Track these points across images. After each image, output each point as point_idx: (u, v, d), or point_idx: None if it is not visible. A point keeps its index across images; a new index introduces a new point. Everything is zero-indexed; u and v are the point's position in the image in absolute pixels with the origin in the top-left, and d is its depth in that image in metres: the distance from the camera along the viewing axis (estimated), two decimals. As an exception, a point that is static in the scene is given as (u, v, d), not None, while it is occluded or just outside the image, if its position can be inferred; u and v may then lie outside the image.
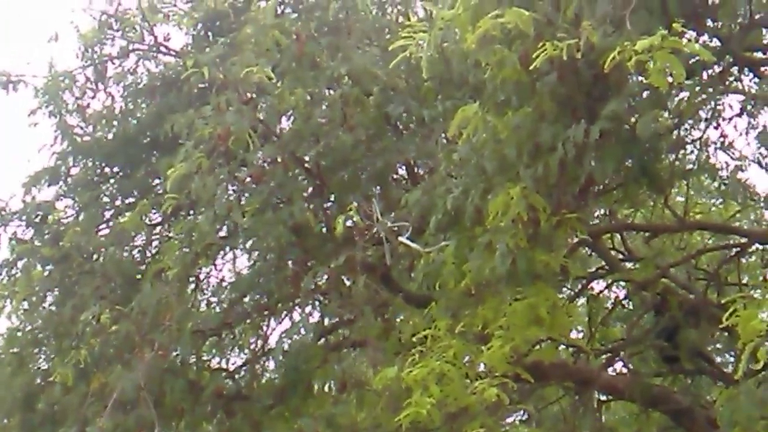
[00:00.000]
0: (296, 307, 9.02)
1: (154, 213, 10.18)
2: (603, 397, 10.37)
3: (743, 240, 9.38)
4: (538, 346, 7.88)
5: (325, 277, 8.33)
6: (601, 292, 10.77)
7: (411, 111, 8.38)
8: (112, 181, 10.73)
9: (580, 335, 10.66)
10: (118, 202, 10.63)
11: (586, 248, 9.53)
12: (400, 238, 7.51)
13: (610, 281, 10.39)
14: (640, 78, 5.62)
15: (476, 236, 6.43)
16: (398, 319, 8.65)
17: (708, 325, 8.87)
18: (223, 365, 9.69)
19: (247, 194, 8.78)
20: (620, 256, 9.82)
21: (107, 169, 10.71)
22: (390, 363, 7.25)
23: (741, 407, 6.58)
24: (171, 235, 9.64)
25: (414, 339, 6.95)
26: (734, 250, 9.57)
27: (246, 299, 9.38)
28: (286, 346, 8.74)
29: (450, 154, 7.03)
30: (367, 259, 8.14)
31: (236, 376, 9.45)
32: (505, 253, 6.11)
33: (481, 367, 6.80)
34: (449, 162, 7.07)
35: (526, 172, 5.99)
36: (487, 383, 6.44)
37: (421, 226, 7.33)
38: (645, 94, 5.84)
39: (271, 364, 9.49)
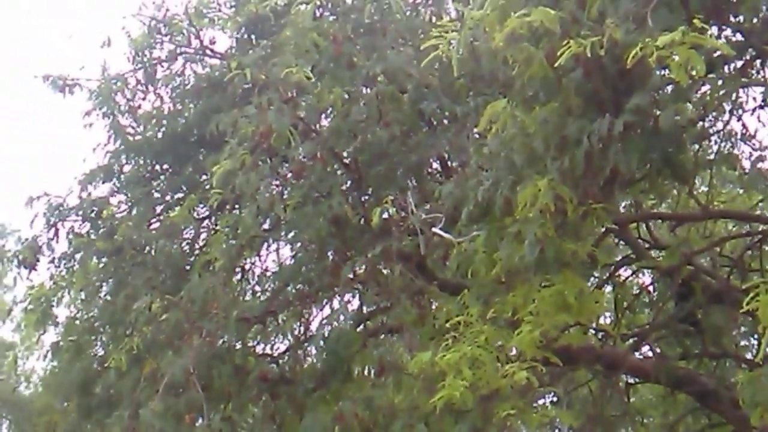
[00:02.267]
0: (336, 296, 9.03)
1: (202, 207, 10.27)
2: (630, 380, 10.31)
3: (766, 227, 9.23)
4: (566, 331, 7.81)
5: (363, 266, 8.33)
6: (627, 279, 10.71)
7: (444, 107, 8.35)
8: (162, 177, 10.85)
9: (608, 321, 10.57)
10: (167, 198, 10.75)
11: (613, 237, 9.44)
12: (434, 229, 7.48)
13: (636, 268, 10.30)
14: (663, 72, 5.56)
15: (506, 226, 6.38)
16: (433, 306, 8.62)
17: (731, 310, 8.75)
18: (268, 351, 9.77)
19: (288, 189, 8.81)
20: (646, 245, 9.71)
21: (157, 167, 10.83)
22: (425, 348, 7.22)
23: (762, 389, 6.48)
24: (217, 228, 9.69)
25: (448, 325, 6.94)
26: (757, 237, 9.42)
27: (288, 288, 9.41)
28: (326, 333, 8.77)
29: (481, 148, 6.99)
30: (403, 249, 8.11)
31: (280, 361, 9.48)
32: (533, 242, 6.06)
33: (512, 352, 6.76)
34: (480, 156, 7.03)
35: (554, 165, 5.93)
36: (517, 367, 6.42)
37: (453, 217, 7.29)
38: (668, 88, 5.77)
39: (312, 350, 9.52)
